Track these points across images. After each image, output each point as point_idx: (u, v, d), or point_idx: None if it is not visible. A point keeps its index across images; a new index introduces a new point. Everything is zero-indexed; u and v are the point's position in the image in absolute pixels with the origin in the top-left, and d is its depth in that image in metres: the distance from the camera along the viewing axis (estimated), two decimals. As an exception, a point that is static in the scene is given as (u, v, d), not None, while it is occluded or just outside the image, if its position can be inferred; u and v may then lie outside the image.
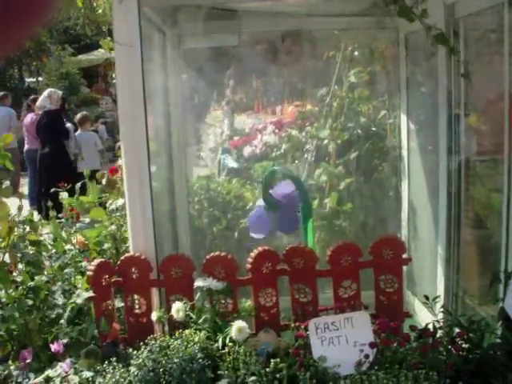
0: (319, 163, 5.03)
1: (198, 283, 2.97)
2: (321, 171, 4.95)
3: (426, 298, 3.12)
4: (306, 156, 5.22)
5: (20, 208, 3.94)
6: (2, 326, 3.43)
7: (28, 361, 3.14)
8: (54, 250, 4.20)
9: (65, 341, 3.21)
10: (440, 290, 3.88)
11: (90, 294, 3.09)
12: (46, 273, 3.91)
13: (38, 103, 10.80)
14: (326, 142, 5.06)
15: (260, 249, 3.07)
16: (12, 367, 3.13)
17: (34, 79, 21.35)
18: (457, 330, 2.89)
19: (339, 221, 4.91)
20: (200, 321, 2.93)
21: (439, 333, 2.85)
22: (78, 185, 4.70)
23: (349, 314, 2.85)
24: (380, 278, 3.15)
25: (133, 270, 3.11)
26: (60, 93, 10.62)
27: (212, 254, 3.08)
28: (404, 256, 3.19)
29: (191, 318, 2.94)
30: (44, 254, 4.14)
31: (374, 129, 5.01)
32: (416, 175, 4.58)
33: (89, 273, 3.10)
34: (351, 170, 4.98)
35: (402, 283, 3.17)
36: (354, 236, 4.89)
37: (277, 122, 6.70)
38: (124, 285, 3.16)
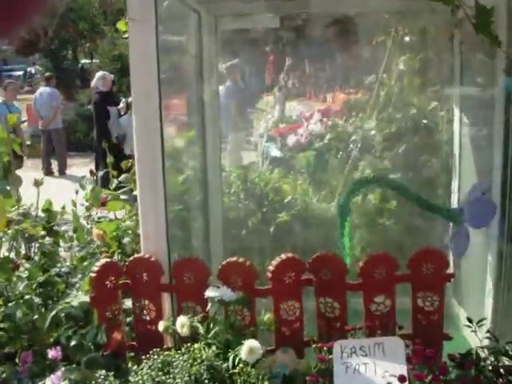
0: (364, 155, 4.57)
1: (210, 293, 2.56)
2: (365, 164, 4.50)
3: (470, 320, 2.67)
4: (350, 147, 4.77)
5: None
6: (6, 325, 3.08)
7: (27, 364, 2.79)
8: (75, 242, 3.86)
9: (72, 343, 2.85)
10: (488, 306, 3.42)
11: (86, 297, 2.72)
12: (63, 264, 3.57)
13: (92, 84, 11.03)
14: (372, 133, 4.60)
15: (283, 256, 2.65)
16: (10, 370, 2.80)
17: (88, 61, 21.20)
18: (504, 360, 2.44)
19: (382, 219, 4.45)
20: (210, 335, 2.52)
21: (483, 363, 2.41)
22: (100, 174, 4.32)
23: (380, 338, 2.42)
24: (418, 294, 2.70)
25: (142, 272, 2.73)
26: (112, 76, 10.62)
27: (229, 259, 2.67)
28: (447, 271, 2.72)
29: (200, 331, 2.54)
30: (63, 244, 3.80)
31: (424, 121, 4.53)
32: (468, 174, 4.09)
33: (92, 274, 2.72)
34: (398, 164, 4.51)
35: (443, 302, 2.71)
36: (397, 237, 4.43)
37: (324, 111, 6.26)
38: (132, 288, 2.78)
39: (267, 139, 6.56)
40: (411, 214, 4.47)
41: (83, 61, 21.90)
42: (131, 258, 2.77)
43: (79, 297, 2.84)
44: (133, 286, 2.76)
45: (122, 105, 10.73)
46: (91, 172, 4.52)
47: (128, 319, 2.93)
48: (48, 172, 12.42)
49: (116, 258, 3.55)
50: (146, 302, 2.76)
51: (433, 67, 4.54)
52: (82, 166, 12.19)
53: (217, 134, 4.21)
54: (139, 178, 2.73)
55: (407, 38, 4.57)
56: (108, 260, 2.80)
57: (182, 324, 2.51)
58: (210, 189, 4.19)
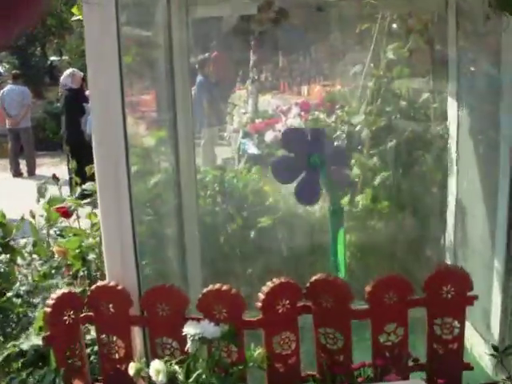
0: (351, 153, 4.09)
1: (189, 330, 2.06)
2: (353, 163, 4.01)
3: (495, 348, 2.22)
4: (335, 144, 4.28)
5: None
6: None
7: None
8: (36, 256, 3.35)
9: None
10: (495, 314, 2.97)
11: (39, 339, 2.22)
12: (23, 282, 3.07)
13: (61, 81, 10.48)
14: (358, 128, 4.11)
15: (275, 281, 2.16)
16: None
17: (58, 58, 20.47)
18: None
19: (373, 221, 3.98)
20: (192, 379, 2.03)
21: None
22: (61, 182, 3.76)
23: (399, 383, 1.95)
24: (435, 321, 2.23)
25: (107, 303, 2.23)
26: (81, 73, 10.05)
27: (210, 288, 2.17)
28: (469, 294, 2.25)
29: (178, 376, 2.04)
30: (21, 262, 3.28)
31: (415, 114, 4.07)
32: (467, 170, 3.64)
33: (47, 308, 2.21)
34: (388, 161, 4.03)
35: (463, 328, 2.25)
36: (389, 240, 3.97)
37: (302, 104, 5.78)
38: (96, 322, 2.28)
39: (243, 135, 6.08)
40: (404, 215, 4.02)
41: (52, 58, 21.17)
42: (93, 287, 2.26)
43: (30, 337, 2.32)
44: (97, 319, 2.26)
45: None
46: (53, 176, 3.98)
47: (93, 358, 2.44)
48: (17, 173, 11.78)
49: (81, 274, 3.06)
50: (114, 337, 2.26)
51: (425, 55, 4.08)
52: (51, 166, 11.58)
53: (190, 132, 3.71)
54: (100, 187, 2.23)
55: (395, 25, 4.09)
56: (65, 291, 2.28)
57: (157, 370, 2.01)
58: (184, 193, 3.69)
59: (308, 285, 2.18)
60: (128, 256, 2.23)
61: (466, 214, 3.70)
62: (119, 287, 2.20)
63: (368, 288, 2.15)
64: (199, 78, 7.90)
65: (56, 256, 3.14)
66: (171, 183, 3.66)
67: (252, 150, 5.57)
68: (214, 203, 4.15)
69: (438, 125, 3.95)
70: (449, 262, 3.85)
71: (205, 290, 2.15)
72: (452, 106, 3.69)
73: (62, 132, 10.17)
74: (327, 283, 2.16)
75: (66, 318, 2.20)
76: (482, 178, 3.45)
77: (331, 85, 6.41)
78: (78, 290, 2.86)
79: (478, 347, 3.06)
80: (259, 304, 2.14)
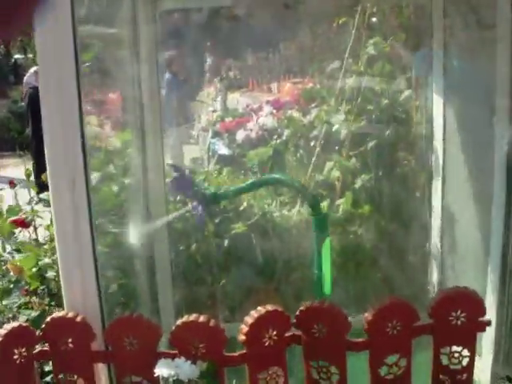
0: (329, 155, 3.77)
1: (161, 370, 1.71)
2: (331, 165, 3.69)
3: (509, 379, 1.92)
4: (312, 145, 3.96)
5: None
6: None
7: None
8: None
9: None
10: (489, 332, 2.67)
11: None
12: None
13: (25, 79, 10.08)
14: (336, 127, 3.79)
15: (261, 310, 1.82)
16: None
17: (22, 56, 19.87)
18: None
19: (354, 227, 3.66)
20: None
21: None
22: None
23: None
24: (442, 350, 1.91)
25: (66, 337, 1.87)
26: None
27: (185, 319, 1.82)
28: (481, 319, 1.93)
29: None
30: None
31: (396, 113, 3.76)
32: (454, 172, 3.35)
33: (-6, 345, 1.84)
34: (369, 163, 3.72)
35: (474, 357, 1.93)
36: (372, 246, 3.66)
37: (274, 102, 5.45)
38: (53, 359, 1.92)
39: (213, 135, 5.73)
40: (387, 220, 3.71)
41: (16, 56, 20.53)
42: (49, 319, 1.89)
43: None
44: (54, 355, 1.90)
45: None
46: (10, 183, 3.59)
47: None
48: (-20, 175, 11.30)
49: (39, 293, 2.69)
50: (74, 376, 1.91)
51: (407, 50, 3.77)
52: (16, 167, 11.08)
53: (158, 133, 3.35)
54: (53, 200, 1.86)
55: (375, 19, 3.78)
56: (15, 325, 1.91)
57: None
58: (152, 200, 3.34)
59: (298, 312, 1.84)
60: (88, 282, 1.87)
61: (454, 219, 3.40)
62: (79, 318, 1.85)
63: (368, 317, 1.82)
64: (167, 75, 7.56)
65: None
66: (138, 188, 3.32)
67: (223, 150, 5.23)
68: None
69: (422, 124, 3.65)
70: (435, 269, 3.56)
71: (179, 322, 1.80)
72: (437, 104, 3.38)
73: (28, 131, 9.75)
74: (321, 311, 1.82)
75: (16, 356, 1.84)
76: (472, 181, 3.16)
77: (303, 82, 6.10)
78: (35, 313, 2.51)
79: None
80: (242, 337, 1.80)
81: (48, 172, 1.83)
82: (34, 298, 2.70)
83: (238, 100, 7.34)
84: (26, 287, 2.67)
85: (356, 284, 3.62)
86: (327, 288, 2.69)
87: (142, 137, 3.29)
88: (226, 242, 3.63)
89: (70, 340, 1.87)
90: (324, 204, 3.59)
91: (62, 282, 1.91)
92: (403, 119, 3.80)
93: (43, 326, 1.90)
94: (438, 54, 3.30)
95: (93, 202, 2.90)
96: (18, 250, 2.86)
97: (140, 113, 3.27)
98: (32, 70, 10.19)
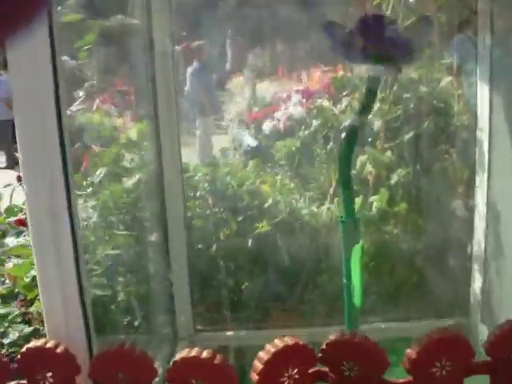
0: (362, 147, 3.38)
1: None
2: (364, 159, 3.31)
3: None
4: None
5: None
6: None
7: None
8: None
9: None
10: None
11: None
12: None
13: None
14: (369, 117, 3.40)
15: (278, 343, 1.45)
16: None
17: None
18: None
19: (389, 226, 3.28)
20: None
21: None
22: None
23: None
24: (503, 393, 1.53)
25: (45, 370, 1.53)
26: None
27: (185, 353, 1.45)
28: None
29: None
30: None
31: (436, 101, 3.36)
32: (501, 166, 2.94)
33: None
34: (406, 157, 3.33)
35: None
36: (410, 248, 3.28)
37: (304, 91, 5.07)
38: (31, 394, 1.58)
39: (239, 125, 5.37)
40: (425, 219, 3.32)
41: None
42: (24, 349, 1.55)
43: None
44: (31, 390, 1.56)
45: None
46: (19, 178, 3.28)
47: None
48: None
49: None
50: (55, 416, 1.56)
51: (448, 32, 3.37)
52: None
53: (174, 126, 3.00)
54: (30, 215, 1.51)
55: (412, -2, 3.38)
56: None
57: None
58: (168, 197, 3.00)
59: (324, 346, 1.47)
60: (72, 305, 1.53)
61: (500, 218, 3.00)
62: (60, 349, 1.50)
63: (411, 354, 1.44)
64: (194, 64, 7.24)
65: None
66: (152, 186, 2.98)
67: (248, 141, 4.87)
68: (205, 206, 3.44)
69: (464, 114, 3.25)
70: (477, 274, 3.17)
71: (177, 357, 1.44)
72: (482, 92, 2.98)
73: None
74: (351, 346, 1.45)
75: (-15, 393, 1.51)
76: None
77: (333, 70, 5.70)
78: (28, 329, 2.18)
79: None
80: (256, 377, 1.43)
81: (22, 174, 1.48)
82: (32, 308, 2.37)
83: (266, 88, 6.99)
84: (22, 297, 2.35)
85: (390, 289, 3.25)
86: (357, 300, 2.32)
87: (156, 130, 2.96)
88: (249, 243, 3.28)
89: (50, 375, 1.52)
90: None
91: (41, 301, 1.57)
92: (443, 109, 3.40)
93: (18, 356, 1.55)
94: (483, 38, 2.90)
95: (101, 199, 2.57)
96: (18, 256, 2.53)
97: (154, 104, 2.93)
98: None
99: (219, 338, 3.20)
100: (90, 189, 2.54)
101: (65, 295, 1.52)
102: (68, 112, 2.48)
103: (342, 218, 2.33)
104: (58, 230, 1.47)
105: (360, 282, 2.30)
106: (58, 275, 1.51)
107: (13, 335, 2.14)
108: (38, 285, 1.55)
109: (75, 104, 2.47)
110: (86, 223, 2.55)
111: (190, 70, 7.41)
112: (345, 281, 2.35)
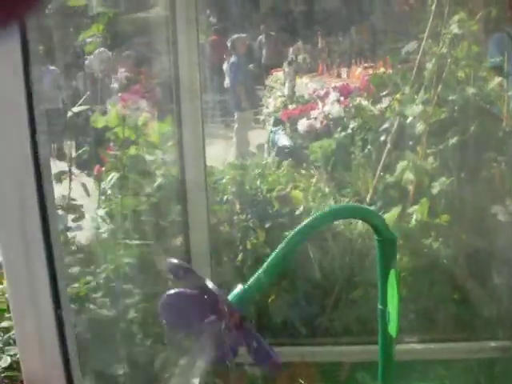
0: (402, 152, 3.07)
1: None
2: (405, 165, 2.99)
3: None
4: (382, 139, 3.27)
5: None
6: None
7: None
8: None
9: None
10: None
11: None
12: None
13: None
14: (411, 119, 3.08)
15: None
16: None
17: None
18: None
19: (429, 240, 2.96)
20: None
21: None
22: None
23: None
24: None
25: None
26: None
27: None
28: None
29: None
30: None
31: (485, 105, 3.03)
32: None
33: None
34: (450, 164, 3.00)
35: None
36: (451, 263, 2.97)
37: (342, 88, 4.77)
38: None
39: (274, 123, 5.10)
40: (469, 232, 3.00)
41: None
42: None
43: None
44: None
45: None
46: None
47: None
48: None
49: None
50: None
51: (499, 29, 3.03)
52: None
53: (198, 125, 2.74)
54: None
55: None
56: None
57: None
58: (191, 203, 2.74)
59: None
60: (49, 349, 1.27)
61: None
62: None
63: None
64: (233, 58, 7.01)
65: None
66: (173, 190, 2.73)
67: (283, 140, 4.60)
68: (231, 212, 3.16)
69: (516, 118, 2.93)
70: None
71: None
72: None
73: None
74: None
75: None
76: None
77: (375, 67, 5.40)
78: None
79: None
80: None
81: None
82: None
83: (306, 85, 6.72)
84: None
85: (429, 307, 2.94)
86: (393, 329, 2.03)
87: (178, 131, 2.70)
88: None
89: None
90: (394, 212, 2.91)
91: (17, 347, 1.32)
92: (492, 112, 3.07)
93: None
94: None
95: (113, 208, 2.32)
96: None
97: (176, 100, 2.68)
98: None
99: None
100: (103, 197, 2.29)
101: (41, 334, 1.26)
102: (69, 112, 2.24)
103: (377, 238, 2.03)
104: (31, 258, 1.21)
105: (396, 310, 2.01)
106: (33, 317, 1.25)
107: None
108: (13, 322, 1.30)
109: (78, 104, 2.22)
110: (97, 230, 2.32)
111: (227, 65, 7.20)
112: (380, 306, 2.06)
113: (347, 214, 1.92)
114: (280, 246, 1.14)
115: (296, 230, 1.15)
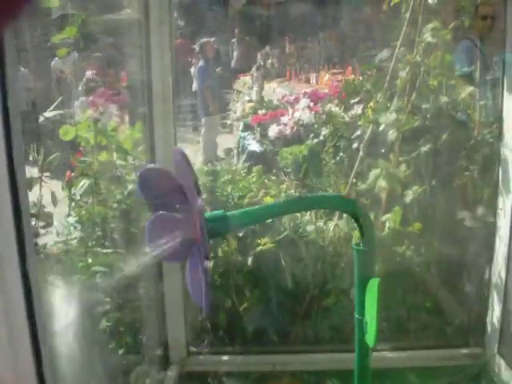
0: (375, 160, 3.04)
1: None
2: (377, 173, 2.97)
3: None
4: (354, 147, 3.24)
5: None
6: None
7: None
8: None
9: None
10: None
11: None
12: None
13: None
14: (383, 127, 3.05)
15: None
16: None
17: None
18: None
19: (402, 247, 2.94)
20: None
21: None
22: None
23: None
24: None
25: None
26: None
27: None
28: None
29: None
30: None
31: (457, 113, 3.02)
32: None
33: None
34: (423, 172, 2.99)
35: None
36: (423, 271, 2.95)
37: (312, 94, 4.75)
38: None
39: (243, 128, 5.05)
40: (441, 241, 2.98)
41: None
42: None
43: None
44: None
45: None
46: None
47: None
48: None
49: None
50: None
51: (472, 38, 3.02)
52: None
53: (170, 129, 2.68)
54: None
55: (434, 0, 3.03)
56: None
57: None
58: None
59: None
60: (24, 366, 1.20)
61: (524, 243, 2.68)
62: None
63: None
64: (200, 62, 6.93)
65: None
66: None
67: (253, 146, 4.55)
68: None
69: (487, 127, 2.92)
70: (496, 300, 2.84)
71: None
72: (509, 104, 2.65)
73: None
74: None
75: None
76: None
77: (343, 73, 5.38)
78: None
79: None
80: None
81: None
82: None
83: (274, 90, 6.69)
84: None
85: (401, 316, 2.92)
86: (370, 339, 1.99)
87: (150, 131, 2.64)
88: (249, 261, 2.94)
89: None
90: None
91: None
92: (464, 120, 3.06)
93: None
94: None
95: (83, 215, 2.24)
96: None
97: (148, 103, 2.61)
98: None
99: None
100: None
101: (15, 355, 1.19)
102: (41, 118, 2.17)
103: (357, 245, 1.99)
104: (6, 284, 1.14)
105: (375, 320, 1.97)
106: (10, 354, 1.18)
107: None
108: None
109: (49, 109, 2.14)
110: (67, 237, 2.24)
111: (194, 69, 7.13)
112: (357, 316, 2.02)
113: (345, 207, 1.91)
114: (276, 202, 1.22)
115: (299, 196, 1.24)
